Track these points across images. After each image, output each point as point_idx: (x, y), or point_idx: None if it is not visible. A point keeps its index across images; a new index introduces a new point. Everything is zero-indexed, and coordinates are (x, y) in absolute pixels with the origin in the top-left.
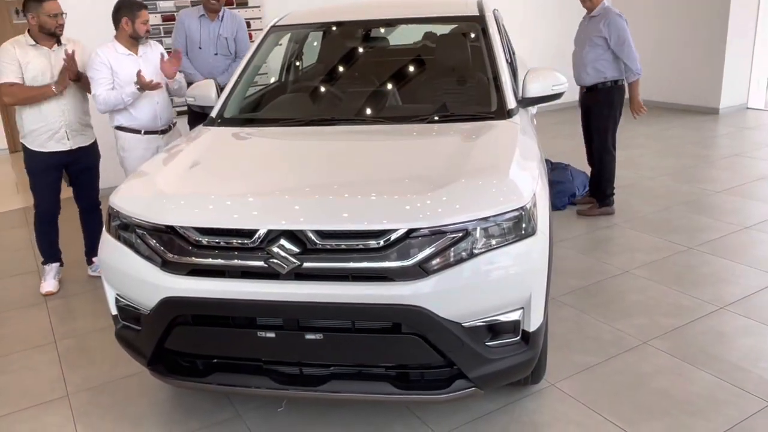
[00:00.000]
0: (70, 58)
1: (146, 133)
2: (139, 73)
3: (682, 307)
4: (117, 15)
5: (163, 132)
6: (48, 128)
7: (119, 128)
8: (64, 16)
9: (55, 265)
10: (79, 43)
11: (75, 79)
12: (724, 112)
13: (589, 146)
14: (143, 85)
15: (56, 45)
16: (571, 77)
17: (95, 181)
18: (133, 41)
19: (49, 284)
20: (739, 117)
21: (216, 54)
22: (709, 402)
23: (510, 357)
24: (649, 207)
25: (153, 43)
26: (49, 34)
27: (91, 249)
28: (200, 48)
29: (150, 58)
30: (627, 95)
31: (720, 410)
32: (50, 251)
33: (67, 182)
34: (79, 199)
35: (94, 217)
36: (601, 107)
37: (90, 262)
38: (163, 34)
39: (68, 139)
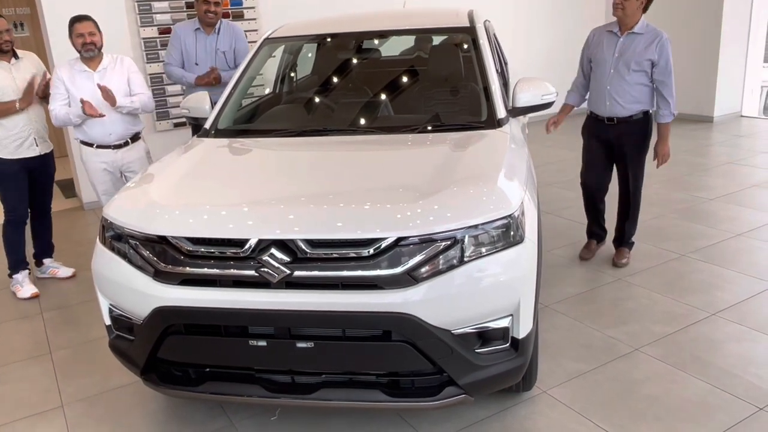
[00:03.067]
0: (30, 85)
1: (98, 147)
2: (82, 101)
3: (674, 314)
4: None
5: (117, 147)
6: (18, 136)
7: (79, 141)
8: (10, 30)
9: (26, 272)
10: (32, 56)
11: (43, 96)
12: (719, 120)
13: (599, 189)
14: (87, 113)
15: (13, 59)
16: (563, 87)
17: (51, 187)
18: (82, 57)
19: (28, 288)
20: (733, 125)
21: None
22: (700, 408)
23: (499, 364)
24: (642, 215)
25: (121, 58)
26: (0, 52)
27: (41, 253)
28: (197, 64)
29: (109, 75)
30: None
31: (711, 416)
32: (19, 258)
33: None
34: (36, 205)
35: (45, 221)
36: (638, 141)
37: (40, 264)
38: (159, 47)
39: (37, 146)
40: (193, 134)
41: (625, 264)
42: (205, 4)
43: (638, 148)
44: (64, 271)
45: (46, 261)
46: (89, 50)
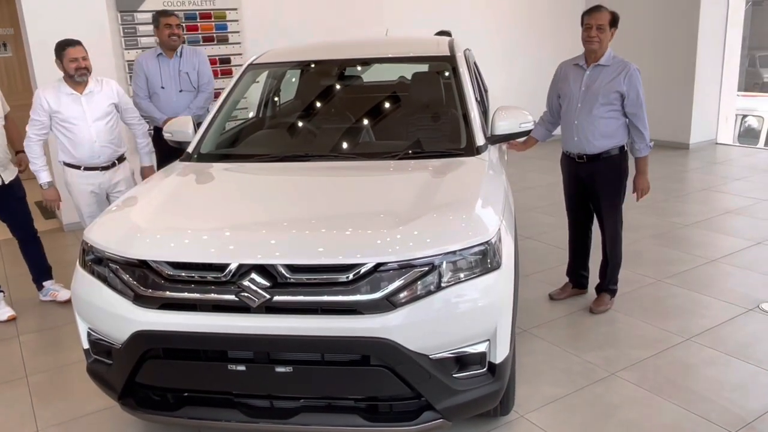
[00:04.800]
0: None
1: (86, 169)
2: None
3: (650, 339)
4: (55, 57)
5: (105, 168)
6: None
7: (64, 163)
8: None
9: (0, 294)
10: None
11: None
12: (694, 147)
13: (581, 228)
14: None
15: None
16: (541, 114)
17: (28, 211)
18: (73, 80)
19: (6, 310)
20: (709, 152)
21: (181, 91)
22: None
23: (477, 388)
24: None
25: (106, 80)
26: None
27: (39, 276)
28: (163, 87)
29: (96, 98)
30: None
31: None
32: None
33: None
34: (16, 231)
35: (34, 245)
36: (611, 181)
37: (40, 287)
38: (129, 83)
39: (1, 175)
40: (158, 160)
41: (603, 311)
42: (167, 28)
43: (611, 189)
44: (64, 294)
45: (46, 284)
46: (83, 74)
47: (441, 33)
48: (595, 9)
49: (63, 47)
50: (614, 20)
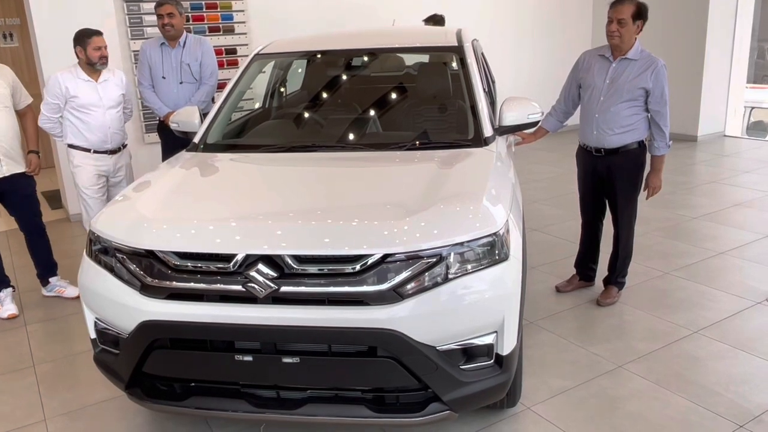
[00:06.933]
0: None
1: (96, 152)
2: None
3: (657, 332)
4: (74, 45)
5: (113, 152)
6: None
7: (71, 146)
8: None
9: (8, 290)
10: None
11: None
12: (702, 139)
13: (594, 222)
14: None
15: None
16: (549, 107)
17: (35, 207)
18: (91, 68)
19: (9, 308)
20: (717, 144)
21: (181, 83)
22: (682, 425)
23: (484, 380)
24: None
25: (116, 70)
26: None
27: (44, 272)
28: (164, 77)
29: (110, 86)
30: None
31: None
32: None
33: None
34: (22, 226)
35: (41, 241)
36: (628, 175)
37: (46, 283)
38: (134, 73)
39: (2, 166)
40: (163, 151)
41: (611, 304)
42: (160, 18)
43: (629, 182)
44: (71, 291)
45: (52, 280)
46: (104, 63)
47: (432, 17)
48: (618, 1)
49: (89, 35)
50: (639, 12)
